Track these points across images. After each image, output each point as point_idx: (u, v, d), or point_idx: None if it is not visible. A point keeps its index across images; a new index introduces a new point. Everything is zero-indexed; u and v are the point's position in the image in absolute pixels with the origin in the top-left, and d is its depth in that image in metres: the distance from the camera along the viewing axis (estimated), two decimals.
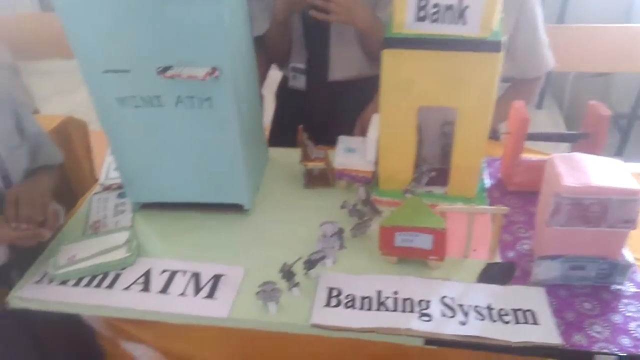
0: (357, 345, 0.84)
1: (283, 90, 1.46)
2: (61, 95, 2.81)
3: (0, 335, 1.01)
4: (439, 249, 0.87)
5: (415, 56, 0.87)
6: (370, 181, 1.08)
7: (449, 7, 0.81)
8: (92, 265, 0.89)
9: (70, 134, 1.43)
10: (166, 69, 0.84)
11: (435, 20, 0.83)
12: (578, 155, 0.83)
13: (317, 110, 1.38)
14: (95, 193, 1.11)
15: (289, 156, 1.21)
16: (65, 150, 1.40)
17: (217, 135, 0.94)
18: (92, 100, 0.91)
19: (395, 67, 0.89)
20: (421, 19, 0.84)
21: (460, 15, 0.81)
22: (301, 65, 1.38)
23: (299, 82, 1.40)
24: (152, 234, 0.99)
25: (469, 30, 0.82)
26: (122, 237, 0.93)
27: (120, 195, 1.09)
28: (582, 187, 0.76)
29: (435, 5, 0.82)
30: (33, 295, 0.88)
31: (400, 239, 0.87)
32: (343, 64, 1.36)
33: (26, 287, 0.89)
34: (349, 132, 1.23)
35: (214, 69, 0.84)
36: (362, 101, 1.36)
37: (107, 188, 1.11)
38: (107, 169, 1.15)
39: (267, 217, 1.05)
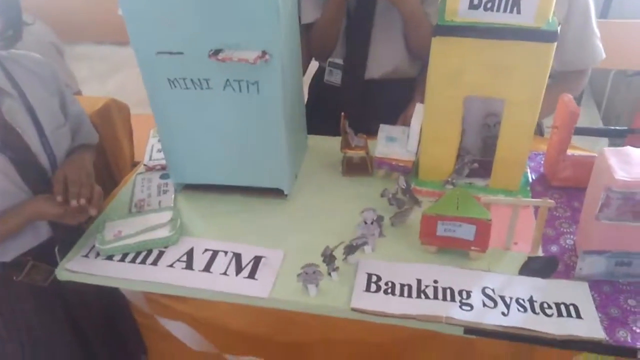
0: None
1: (317, 84, 1.46)
2: (95, 81, 2.88)
3: (39, 311, 1.05)
4: (481, 240, 0.86)
5: (466, 44, 0.86)
6: (410, 171, 1.07)
7: None
8: (137, 242, 0.91)
9: (113, 116, 1.46)
10: (217, 51, 0.86)
11: (489, 9, 0.83)
12: (630, 150, 0.81)
13: (349, 106, 1.37)
14: (139, 173, 1.14)
15: (327, 144, 1.22)
16: (107, 131, 1.44)
17: (262, 120, 0.95)
18: (143, 81, 0.93)
19: (444, 55, 0.89)
20: (475, 6, 0.83)
21: (515, 3, 0.80)
22: (339, 61, 1.38)
23: (335, 78, 1.40)
24: (194, 214, 1.01)
25: (523, 19, 0.81)
26: (166, 216, 0.95)
27: (163, 177, 1.11)
28: (634, 181, 0.75)
29: None
30: (80, 268, 0.91)
31: (442, 228, 0.87)
32: (381, 62, 1.35)
33: (74, 260, 0.92)
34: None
35: (264, 53, 0.85)
36: (395, 102, 1.36)
37: (151, 169, 1.13)
38: (150, 151, 1.17)
39: (306, 203, 1.06)
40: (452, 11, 0.86)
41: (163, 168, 1.13)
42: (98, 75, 2.67)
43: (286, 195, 1.05)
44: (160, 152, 1.17)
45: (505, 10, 0.82)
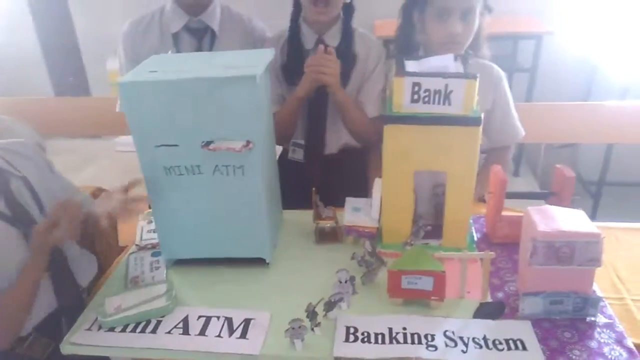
0: None
1: (282, 162, 1.65)
2: (71, 172, 2.98)
3: None
4: (439, 290, 1.01)
5: (411, 130, 1.07)
6: (375, 236, 1.24)
7: (437, 92, 1.03)
8: (137, 313, 1.01)
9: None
10: (209, 143, 1.03)
11: (426, 102, 1.04)
12: (549, 207, 1.01)
13: (313, 179, 1.57)
14: (131, 253, 1.24)
15: (299, 217, 1.37)
16: (94, 219, 1.54)
17: (246, 198, 1.10)
18: (141, 168, 1.08)
19: (395, 138, 1.09)
20: (415, 100, 1.05)
21: (446, 97, 1.03)
22: (300, 141, 1.60)
23: (298, 155, 1.62)
24: (185, 285, 1.12)
25: (453, 109, 1.03)
26: (162, 288, 1.06)
27: (154, 254, 1.22)
28: (553, 232, 0.93)
29: (426, 90, 1.04)
30: (84, 341, 0.99)
31: (406, 282, 1.02)
32: (336, 139, 1.59)
33: (77, 334, 1.00)
34: (343, 198, 1.38)
35: (248, 142, 1.02)
36: (351, 172, 1.60)
37: (142, 248, 1.25)
38: (140, 232, 1.29)
39: (286, 269, 1.19)
40: (398, 104, 1.07)
41: (153, 247, 1.24)
42: (72, 167, 2.78)
43: (268, 264, 1.18)
44: (149, 232, 1.29)
45: (439, 103, 1.04)
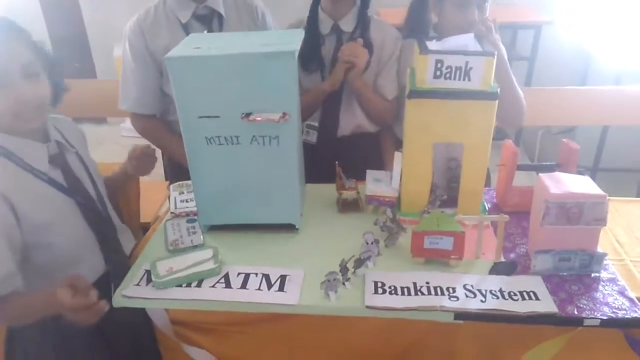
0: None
1: None
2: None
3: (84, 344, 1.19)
4: (458, 249, 1.11)
5: (433, 104, 1.16)
6: (394, 204, 1.33)
7: (458, 68, 1.12)
8: (188, 274, 1.09)
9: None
10: (248, 114, 1.11)
11: (447, 78, 1.14)
12: (559, 174, 1.11)
13: (326, 160, 1.66)
14: (167, 220, 1.33)
15: (320, 190, 1.46)
16: (121, 194, 1.63)
17: (280, 167, 1.19)
18: (184, 139, 1.16)
19: (417, 112, 1.19)
20: (437, 76, 1.14)
21: (466, 74, 1.12)
22: (315, 123, 1.69)
23: (312, 137, 1.70)
24: (222, 248, 1.21)
25: (473, 84, 1.13)
26: (208, 252, 1.15)
27: (190, 221, 1.31)
28: (564, 194, 1.04)
29: (448, 67, 1.13)
30: (135, 294, 1.08)
31: (428, 242, 1.12)
32: (349, 122, 1.68)
33: (128, 289, 1.09)
34: (353, 178, 1.45)
35: (284, 114, 1.11)
36: (362, 155, 1.67)
37: (177, 215, 1.33)
38: (174, 201, 1.38)
39: (313, 234, 1.28)
40: (421, 80, 1.16)
41: (187, 214, 1.33)
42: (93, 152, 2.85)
43: (297, 229, 1.28)
44: (183, 202, 1.37)
45: (459, 79, 1.13)
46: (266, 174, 1.20)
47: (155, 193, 1.94)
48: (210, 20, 1.60)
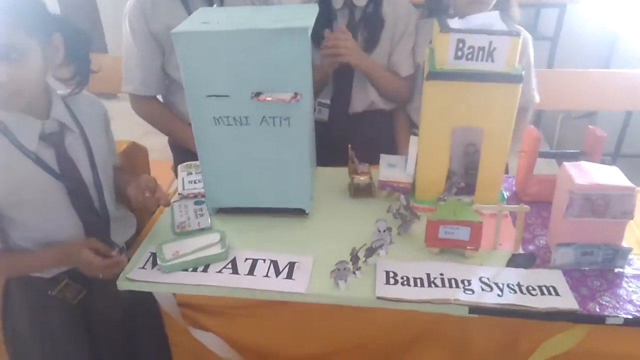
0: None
1: None
2: None
3: (64, 325, 1.17)
4: (475, 240, 1.07)
5: (453, 86, 1.10)
6: (408, 191, 1.28)
7: (481, 48, 1.05)
8: (195, 258, 1.06)
9: (134, 158, 1.62)
10: (258, 94, 1.06)
11: (469, 59, 1.07)
12: (585, 163, 1.05)
13: (337, 138, 1.60)
14: (175, 201, 1.29)
15: (331, 173, 1.42)
16: (130, 173, 1.59)
17: (290, 150, 1.14)
18: (191, 118, 1.12)
19: (436, 95, 1.12)
20: (459, 57, 1.08)
21: (490, 54, 1.06)
22: (326, 101, 1.63)
23: (323, 115, 1.65)
24: (230, 232, 1.17)
25: (496, 66, 1.06)
26: (215, 236, 1.11)
27: (197, 203, 1.27)
28: (590, 185, 0.98)
29: (470, 47, 1.06)
30: (139, 277, 1.05)
31: (443, 232, 1.07)
32: (361, 99, 1.62)
33: (132, 272, 1.06)
34: (365, 157, 1.40)
35: (296, 94, 1.06)
36: (374, 133, 1.63)
37: (185, 197, 1.30)
38: (182, 182, 1.34)
39: (324, 220, 1.24)
40: (441, 61, 1.10)
41: (195, 196, 1.30)
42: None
43: (307, 214, 1.23)
44: (191, 183, 1.34)
45: (482, 60, 1.07)
46: (276, 156, 1.15)
47: (166, 172, 1.91)
48: None
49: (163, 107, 1.64)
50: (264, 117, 1.10)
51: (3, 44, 0.95)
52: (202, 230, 1.18)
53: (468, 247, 1.08)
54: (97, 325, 1.22)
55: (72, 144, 1.12)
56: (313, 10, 1.14)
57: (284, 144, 1.13)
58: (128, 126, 2.22)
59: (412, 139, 1.28)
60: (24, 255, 1.11)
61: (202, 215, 1.23)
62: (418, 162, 1.24)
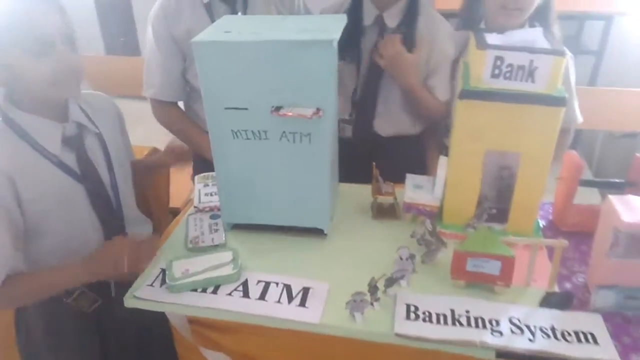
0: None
1: None
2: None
3: (78, 333, 1.14)
4: (506, 275, 0.98)
5: (488, 107, 1.01)
6: (435, 215, 1.20)
7: (521, 67, 0.97)
8: (205, 278, 1.01)
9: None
10: (278, 108, 1.00)
11: (508, 78, 0.99)
12: (631, 197, 0.95)
13: (361, 157, 1.45)
14: (190, 214, 1.25)
15: (354, 191, 1.35)
16: (149, 179, 1.57)
17: (310, 167, 1.08)
18: (209, 130, 1.07)
19: (469, 115, 1.04)
20: (495, 75, 1.00)
21: (530, 74, 0.97)
22: (348, 117, 1.55)
23: (347, 132, 1.56)
24: (243, 250, 1.12)
25: (537, 87, 0.98)
26: (227, 256, 1.06)
27: (213, 217, 1.23)
28: (638, 223, 0.88)
29: (509, 65, 0.98)
30: (147, 296, 1.01)
31: (471, 264, 0.99)
32: (386, 120, 1.53)
33: (140, 289, 1.02)
34: (390, 177, 1.32)
35: (318, 110, 1.00)
36: (402, 151, 1.53)
37: (201, 210, 1.25)
38: (198, 195, 1.30)
39: (343, 242, 1.17)
40: (477, 78, 1.02)
41: (211, 209, 1.25)
42: (133, 129, 2.84)
43: (325, 235, 1.17)
44: (207, 195, 1.29)
45: (521, 80, 0.98)
46: (295, 173, 1.09)
47: (186, 179, 1.87)
48: (234, 1, 1.47)
49: (182, 114, 1.61)
50: (283, 132, 1.04)
51: (63, 31, 0.97)
52: (215, 247, 1.13)
53: (498, 283, 0.99)
54: (110, 334, 1.20)
55: (90, 145, 1.10)
56: (340, 22, 1.07)
57: (303, 161, 1.07)
58: (157, 127, 2.19)
59: (442, 159, 1.20)
60: (51, 271, 1.05)
61: (216, 230, 1.18)
62: (447, 184, 1.16)
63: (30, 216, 1.01)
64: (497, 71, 0.99)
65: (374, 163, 1.28)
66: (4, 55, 0.93)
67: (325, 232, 1.17)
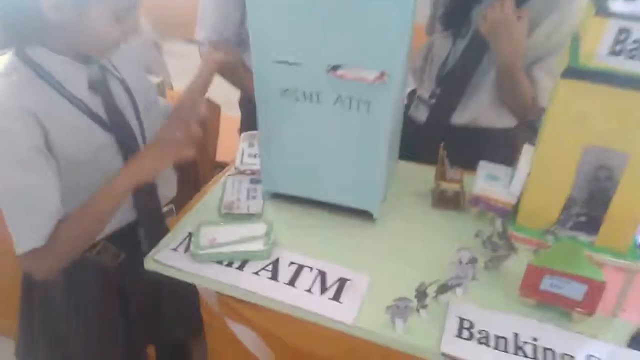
0: None
1: None
2: (187, 78, 3.00)
3: (98, 288, 1.06)
4: (590, 302, 0.79)
5: (598, 91, 0.80)
6: (508, 213, 1.02)
7: None
8: (232, 251, 0.91)
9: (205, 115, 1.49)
10: (336, 67, 0.85)
11: (632, 57, 0.77)
12: None
13: (432, 149, 1.20)
14: (230, 175, 1.14)
15: (415, 171, 1.18)
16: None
17: (366, 140, 0.93)
18: (255, 86, 0.93)
19: (571, 100, 0.84)
20: (615, 53, 0.78)
21: None
22: (426, 97, 1.33)
23: (420, 114, 1.36)
24: (280, 223, 1.00)
25: None
26: (261, 229, 0.95)
27: (253, 181, 1.11)
28: None
29: (636, 41, 0.76)
30: (168, 261, 0.92)
31: (548, 283, 0.81)
32: (469, 110, 1.29)
33: (162, 253, 0.93)
34: (460, 162, 1.12)
35: (382, 73, 0.83)
36: (476, 150, 1.22)
37: (241, 172, 1.14)
38: (241, 155, 1.18)
39: (393, 230, 1.02)
40: (589, 54, 0.80)
41: (253, 173, 1.13)
42: (183, 72, 2.77)
43: (374, 219, 1.02)
44: (250, 157, 1.17)
45: None
46: (347, 145, 0.94)
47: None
48: None
49: (235, 55, 1.48)
50: (339, 96, 0.89)
51: None
52: (250, 217, 1.02)
53: (578, 309, 0.81)
54: (133, 294, 1.12)
55: (115, 91, 0.99)
56: None
57: (358, 133, 0.92)
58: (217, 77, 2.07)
59: (526, 148, 1.00)
60: (96, 195, 0.92)
61: (254, 197, 1.07)
62: (530, 179, 0.96)
63: (64, 168, 0.91)
64: (618, 47, 0.77)
65: (442, 143, 1.10)
66: (88, 9, 0.82)
67: (374, 216, 1.02)
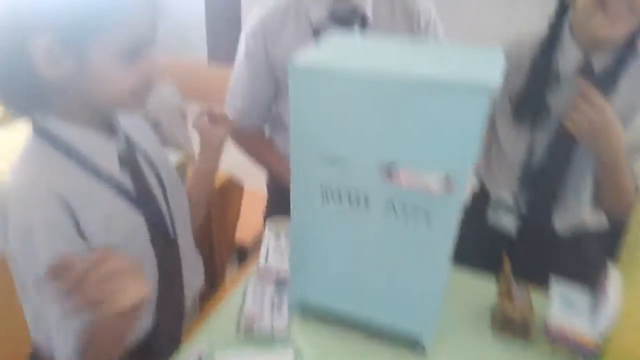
0: None
1: (470, 220, 0.93)
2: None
3: None
4: None
5: None
6: (593, 355, 0.82)
7: None
8: None
9: (227, 196, 1.36)
10: (391, 168, 0.70)
11: None
12: None
13: (523, 262, 0.98)
14: (251, 278, 0.97)
15: (469, 282, 1.00)
16: (217, 212, 1.33)
17: (422, 257, 0.76)
18: (291, 182, 0.79)
19: None
20: None
21: None
22: (509, 202, 1.11)
23: (506, 223, 1.12)
24: (308, 345, 0.82)
25: None
26: (287, 355, 0.77)
27: (278, 288, 0.94)
28: None
29: None
30: None
31: None
32: (574, 210, 1.10)
33: None
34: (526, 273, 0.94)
35: (448, 181, 0.68)
36: (581, 264, 1.10)
37: (265, 273, 0.97)
38: (266, 251, 1.02)
39: None
40: None
41: (278, 275, 0.96)
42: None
43: (425, 352, 0.83)
44: (278, 252, 1.01)
45: None
46: (397, 260, 0.78)
47: (259, 206, 1.59)
48: (350, 24, 1.16)
49: (263, 137, 1.36)
50: (391, 200, 0.73)
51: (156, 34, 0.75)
52: (274, 338, 0.84)
53: None
54: None
55: (142, 165, 0.85)
56: (498, 59, 0.74)
57: (413, 247, 0.75)
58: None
59: (612, 271, 0.82)
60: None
61: (279, 309, 0.89)
62: (621, 312, 0.78)
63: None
64: None
65: (504, 251, 0.93)
66: (87, 54, 0.71)
67: (425, 348, 0.83)
